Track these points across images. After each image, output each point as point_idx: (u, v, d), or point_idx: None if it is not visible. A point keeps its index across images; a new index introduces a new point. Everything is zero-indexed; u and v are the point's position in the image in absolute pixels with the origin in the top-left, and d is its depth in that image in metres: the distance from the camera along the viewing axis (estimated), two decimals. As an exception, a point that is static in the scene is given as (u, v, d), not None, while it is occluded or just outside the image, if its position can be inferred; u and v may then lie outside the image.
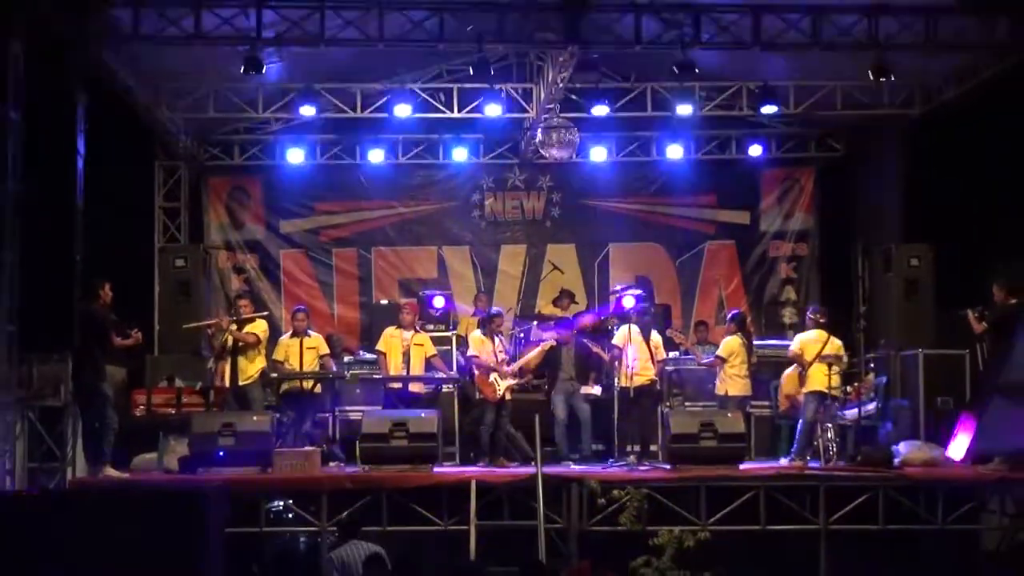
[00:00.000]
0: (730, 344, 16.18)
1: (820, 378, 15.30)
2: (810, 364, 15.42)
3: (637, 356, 15.34)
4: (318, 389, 16.01)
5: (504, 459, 15.31)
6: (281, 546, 14.24)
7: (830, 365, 15.26)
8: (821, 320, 16.03)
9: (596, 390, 16.15)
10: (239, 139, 20.02)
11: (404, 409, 15.16)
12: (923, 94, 17.84)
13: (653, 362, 15.52)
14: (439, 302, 17.79)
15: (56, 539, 8.51)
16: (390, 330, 16.06)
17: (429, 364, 15.92)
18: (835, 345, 15.58)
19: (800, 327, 19.12)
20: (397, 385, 15.81)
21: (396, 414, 14.86)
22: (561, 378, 15.88)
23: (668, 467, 14.49)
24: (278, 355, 16.12)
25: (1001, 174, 16.43)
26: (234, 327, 15.93)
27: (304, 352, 15.95)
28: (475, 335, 16.06)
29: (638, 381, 15.32)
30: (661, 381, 16.06)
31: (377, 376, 16.22)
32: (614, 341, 15.67)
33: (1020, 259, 14.51)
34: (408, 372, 15.81)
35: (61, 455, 13.90)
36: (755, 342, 16.70)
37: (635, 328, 15.54)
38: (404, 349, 15.83)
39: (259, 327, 16.07)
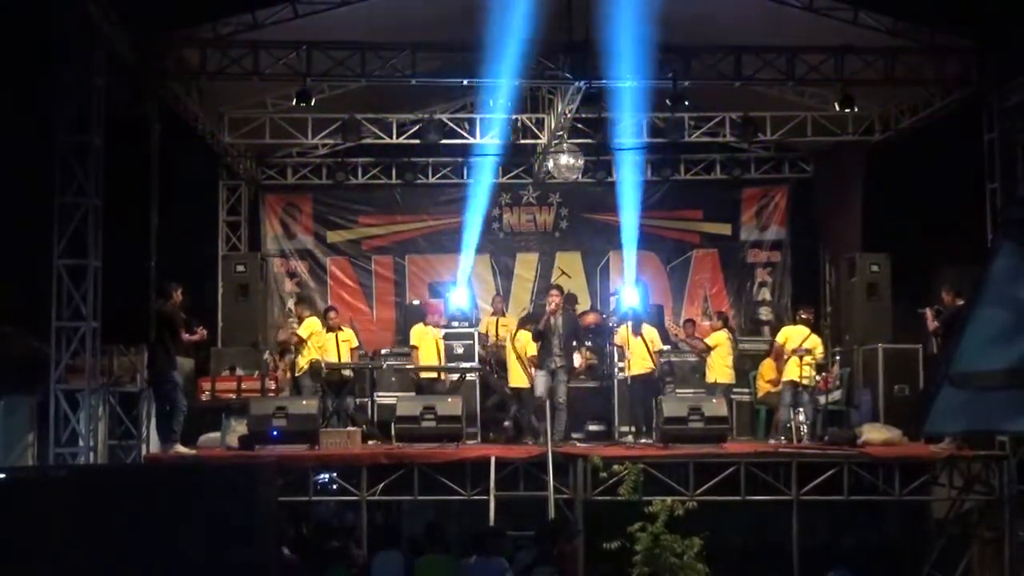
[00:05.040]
0: (718, 336, 16.29)
1: (793, 370, 15.25)
2: (788, 357, 15.34)
3: (633, 351, 15.34)
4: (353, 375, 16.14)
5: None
6: (324, 512, 14.23)
7: (801, 357, 15.20)
8: (803, 316, 16.01)
9: (577, 361, 15.31)
10: (292, 162, 19.99)
11: (433, 395, 15.16)
12: (882, 123, 17.75)
13: (649, 354, 15.43)
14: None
15: (132, 506, 8.51)
16: (420, 327, 16.04)
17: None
18: (814, 341, 15.51)
19: (774, 324, 19.25)
20: (434, 374, 15.83)
21: (426, 399, 14.83)
22: (549, 352, 14.83)
23: (661, 445, 14.43)
24: (315, 347, 16.28)
25: (948, 192, 16.39)
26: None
27: (339, 344, 16.00)
28: (526, 335, 15.53)
29: (637, 371, 15.30)
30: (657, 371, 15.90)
31: (409, 366, 16.23)
32: (616, 340, 15.63)
33: (965, 265, 14.43)
34: (442, 362, 15.88)
35: (137, 434, 13.85)
36: (738, 339, 16.71)
37: (630, 326, 15.52)
38: (436, 343, 15.89)
39: (304, 329, 15.96)
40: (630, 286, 17.33)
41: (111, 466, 12.82)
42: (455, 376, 15.94)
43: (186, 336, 14.11)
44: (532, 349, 15.45)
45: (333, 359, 15.90)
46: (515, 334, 15.82)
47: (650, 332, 15.66)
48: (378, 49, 14.50)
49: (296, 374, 15.83)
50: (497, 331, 17.37)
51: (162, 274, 13.56)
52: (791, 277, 20.35)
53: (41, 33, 12.94)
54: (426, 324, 16.08)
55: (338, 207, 20.22)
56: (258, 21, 14.19)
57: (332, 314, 16.60)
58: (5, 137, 13.72)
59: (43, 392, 13.08)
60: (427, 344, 15.85)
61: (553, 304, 15.03)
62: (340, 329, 16.32)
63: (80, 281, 12.70)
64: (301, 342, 15.83)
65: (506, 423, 16.00)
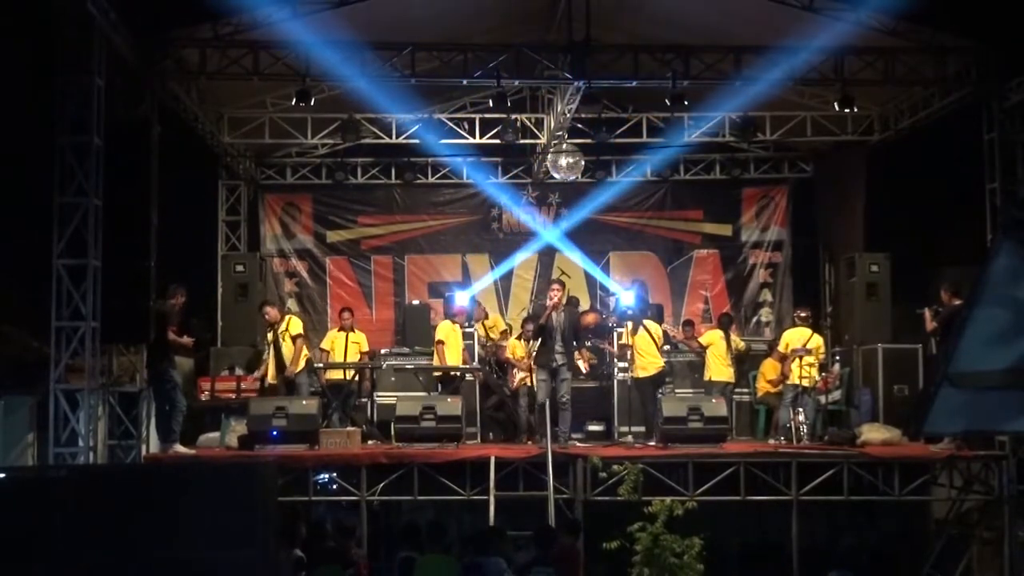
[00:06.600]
0: (711, 335, 16.36)
1: (794, 371, 15.25)
2: (793, 360, 15.31)
3: (642, 349, 15.30)
4: (357, 377, 16.19)
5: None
6: (321, 512, 14.23)
7: (801, 358, 15.19)
8: (801, 315, 16.02)
9: (582, 365, 15.29)
10: (291, 161, 19.97)
11: (433, 394, 15.17)
12: (882, 123, 17.75)
13: (658, 350, 15.40)
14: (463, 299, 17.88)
15: (132, 506, 8.50)
16: (448, 323, 16.09)
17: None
18: (816, 340, 15.51)
19: (775, 325, 19.25)
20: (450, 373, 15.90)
21: (425, 399, 14.83)
22: (550, 349, 14.80)
23: (661, 445, 14.41)
24: (325, 345, 16.44)
25: (948, 192, 16.41)
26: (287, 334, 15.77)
27: (348, 345, 16.06)
28: (514, 341, 16.20)
29: (651, 371, 15.29)
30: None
31: (409, 366, 16.24)
32: (621, 340, 15.60)
33: (963, 265, 14.44)
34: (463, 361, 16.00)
35: (136, 434, 13.87)
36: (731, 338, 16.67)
37: (630, 326, 15.50)
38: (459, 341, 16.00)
39: (295, 327, 15.89)
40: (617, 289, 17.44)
41: (111, 466, 12.82)
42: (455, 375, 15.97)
43: (173, 336, 13.98)
44: (520, 352, 15.67)
45: (340, 359, 16.01)
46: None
47: (654, 327, 15.52)
48: (378, 49, 14.50)
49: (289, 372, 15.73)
50: (487, 333, 17.40)
51: (162, 274, 13.57)
52: (791, 278, 20.33)
53: (41, 33, 12.94)
54: (454, 321, 16.14)
55: (338, 207, 20.19)
56: (258, 21, 14.19)
57: (346, 315, 16.87)
58: (5, 137, 13.74)
59: (43, 392, 13.08)
60: (453, 340, 15.90)
61: (555, 298, 14.99)
62: (352, 331, 16.49)
63: (80, 281, 12.68)
64: (301, 337, 15.75)
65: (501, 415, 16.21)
